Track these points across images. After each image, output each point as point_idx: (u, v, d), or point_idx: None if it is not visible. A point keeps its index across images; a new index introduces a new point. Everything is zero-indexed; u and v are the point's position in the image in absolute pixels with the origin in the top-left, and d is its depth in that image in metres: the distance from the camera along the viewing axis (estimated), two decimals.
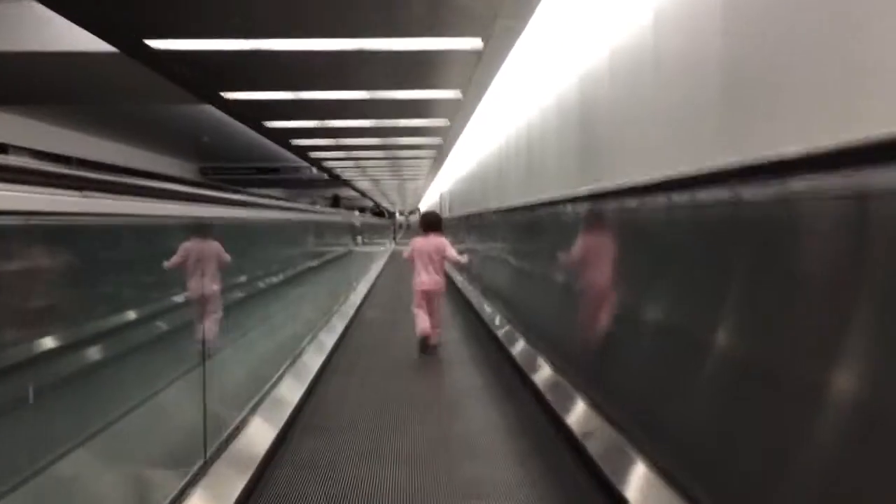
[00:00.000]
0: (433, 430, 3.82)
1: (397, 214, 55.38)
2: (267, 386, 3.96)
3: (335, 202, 22.84)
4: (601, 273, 3.60)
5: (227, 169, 25.58)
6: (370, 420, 4.01)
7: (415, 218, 45.92)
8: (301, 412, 4.03)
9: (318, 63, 8.00)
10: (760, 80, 2.79)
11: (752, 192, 2.14)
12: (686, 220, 2.70)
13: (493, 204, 9.15)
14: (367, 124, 12.27)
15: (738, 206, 2.25)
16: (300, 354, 5.07)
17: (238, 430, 3.21)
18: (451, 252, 6.02)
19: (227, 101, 9.63)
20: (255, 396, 3.70)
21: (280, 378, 4.28)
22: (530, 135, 7.71)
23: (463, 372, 5.31)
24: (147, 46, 6.88)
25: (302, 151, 16.89)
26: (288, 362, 4.63)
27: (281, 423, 3.59)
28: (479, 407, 4.31)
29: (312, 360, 5.10)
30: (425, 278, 5.91)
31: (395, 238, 30.15)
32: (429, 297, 5.89)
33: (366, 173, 25.46)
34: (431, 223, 6.13)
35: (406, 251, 6.16)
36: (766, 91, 2.75)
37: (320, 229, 8.09)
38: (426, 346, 5.79)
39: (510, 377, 4.93)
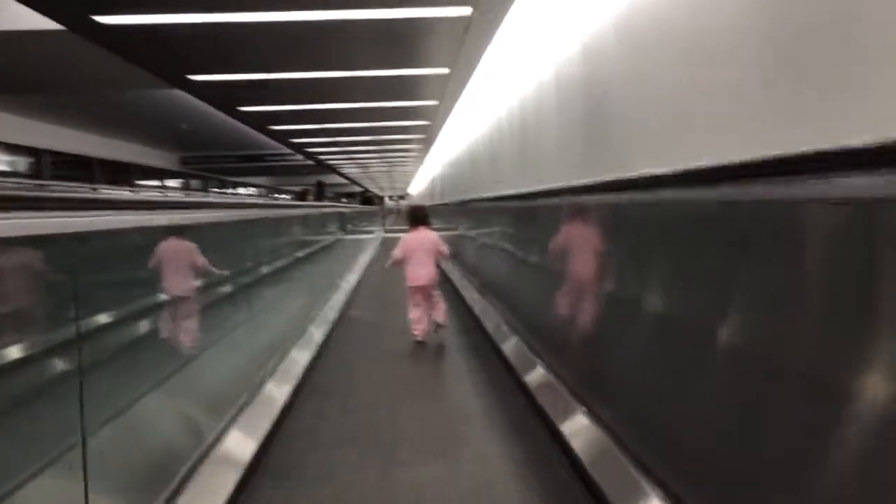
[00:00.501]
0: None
1: (386, 199, 55.01)
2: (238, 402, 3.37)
3: (319, 189, 21.92)
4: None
5: (209, 157, 24.79)
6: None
7: (405, 203, 45.46)
8: (283, 417, 3.47)
9: (293, 39, 7.28)
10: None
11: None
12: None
13: (488, 189, 8.53)
14: (349, 107, 11.55)
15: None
16: (288, 349, 4.74)
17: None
18: (445, 248, 5.94)
19: (196, 84, 8.90)
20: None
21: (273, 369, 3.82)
22: (524, 114, 7.05)
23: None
24: (96, 23, 6.14)
25: (282, 137, 16.12)
26: (275, 358, 4.18)
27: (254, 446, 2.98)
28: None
29: (300, 355, 4.86)
30: (419, 273, 5.80)
31: (384, 224, 29.43)
32: (425, 293, 5.82)
33: (352, 159, 24.72)
34: (419, 217, 6.05)
35: (396, 251, 5.76)
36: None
37: (290, 225, 7.40)
38: (422, 343, 5.77)
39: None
